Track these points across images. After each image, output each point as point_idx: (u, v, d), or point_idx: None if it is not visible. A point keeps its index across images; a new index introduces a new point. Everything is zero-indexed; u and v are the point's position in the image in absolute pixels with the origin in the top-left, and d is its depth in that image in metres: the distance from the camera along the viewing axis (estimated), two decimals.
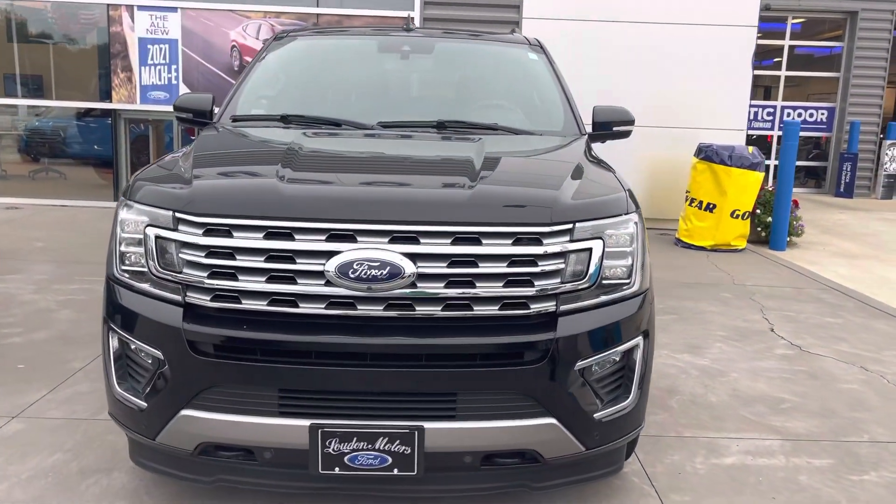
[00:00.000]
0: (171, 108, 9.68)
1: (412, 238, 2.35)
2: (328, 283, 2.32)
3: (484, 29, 7.14)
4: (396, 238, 2.34)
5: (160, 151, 10.78)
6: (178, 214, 2.44)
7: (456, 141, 3.33)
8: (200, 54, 9.59)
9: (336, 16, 9.53)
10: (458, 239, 2.36)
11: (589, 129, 3.76)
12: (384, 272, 2.29)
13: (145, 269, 2.48)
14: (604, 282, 2.50)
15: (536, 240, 2.40)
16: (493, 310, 2.37)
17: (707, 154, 8.34)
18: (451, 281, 2.35)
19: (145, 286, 2.48)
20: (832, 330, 5.36)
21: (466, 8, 9.70)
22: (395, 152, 3.23)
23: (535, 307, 2.39)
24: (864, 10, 14.72)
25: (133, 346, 2.52)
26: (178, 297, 2.41)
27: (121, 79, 9.68)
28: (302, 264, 2.34)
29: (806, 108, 15.77)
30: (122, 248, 2.55)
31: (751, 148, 8.34)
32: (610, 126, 3.85)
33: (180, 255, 2.41)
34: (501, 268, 2.37)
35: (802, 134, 15.42)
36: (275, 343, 2.34)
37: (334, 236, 2.34)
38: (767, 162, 10.34)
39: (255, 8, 9.60)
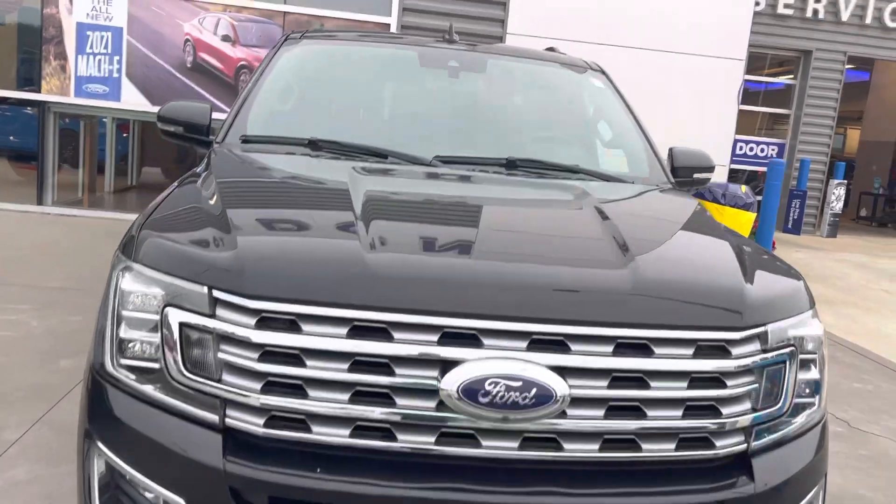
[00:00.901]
0: (109, 104, 8.77)
1: (559, 343, 1.65)
2: (441, 406, 1.60)
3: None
4: (537, 342, 1.64)
5: (93, 149, 9.68)
6: (217, 293, 1.66)
7: (557, 189, 2.62)
8: (149, 46, 8.52)
9: (305, 15, 8.65)
10: (622, 346, 1.68)
11: None
12: (529, 395, 1.58)
13: (159, 367, 1.70)
14: (794, 403, 1.87)
15: (723, 349, 1.74)
16: (667, 449, 1.70)
17: (699, 191, 7.90)
18: (612, 407, 1.66)
19: (158, 393, 1.69)
20: (868, 399, 4.91)
21: (447, 18, 8.99)
22: (499, 205, 2.46)
23: (722, 445, 1.73)
24: (819, 50, 14.86)
25: (129, 478, 1.72)
26: (213, 417, 1.63)
27: (53, 67, 8.52)
28: (403, 377, 1.60)
29: (758, 143, 15.82)
30: (123, 333, 1.75)
31: (744, 187, 7.99)
32: (690, 172, 3.25)
33: (220, 353, 1.63)
34: (680, 389, 1.69)
35: (752, 168, 15.61)
36: (361, 497, 1.58)
37: (450, 335, 1.62)
38: None
39: None
